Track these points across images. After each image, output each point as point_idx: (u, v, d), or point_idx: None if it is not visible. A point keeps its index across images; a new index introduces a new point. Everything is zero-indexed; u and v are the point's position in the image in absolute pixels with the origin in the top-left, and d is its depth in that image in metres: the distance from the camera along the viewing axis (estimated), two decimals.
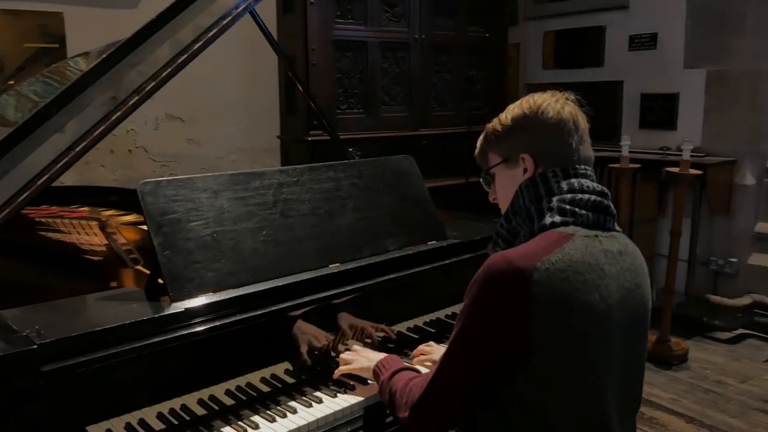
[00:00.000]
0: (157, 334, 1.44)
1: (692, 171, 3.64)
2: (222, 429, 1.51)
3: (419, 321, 2.10)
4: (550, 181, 1.36)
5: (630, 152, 3.96)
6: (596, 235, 1.31)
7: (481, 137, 1.52)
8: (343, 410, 1.63)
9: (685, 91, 4.35)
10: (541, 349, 1.21)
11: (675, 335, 3.88)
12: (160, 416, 1.49)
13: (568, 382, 1.25)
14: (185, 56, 1.98)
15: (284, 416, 1.58)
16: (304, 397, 1.67)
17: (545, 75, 5.29)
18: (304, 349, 1.74)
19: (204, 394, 1.56)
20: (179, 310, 1.50)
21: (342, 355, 1.76)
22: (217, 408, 1.57)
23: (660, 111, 4.48)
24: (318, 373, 1.76)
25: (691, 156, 4.15)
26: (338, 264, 1.88)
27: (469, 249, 2.18)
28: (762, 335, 4.10)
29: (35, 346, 1.27)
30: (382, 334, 1.92)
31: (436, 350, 1.85)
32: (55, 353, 1.30)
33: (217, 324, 1.54)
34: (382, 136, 4.31)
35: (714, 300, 4.14)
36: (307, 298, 1.72)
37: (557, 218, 1.31)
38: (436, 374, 1.34)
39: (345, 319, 1.86)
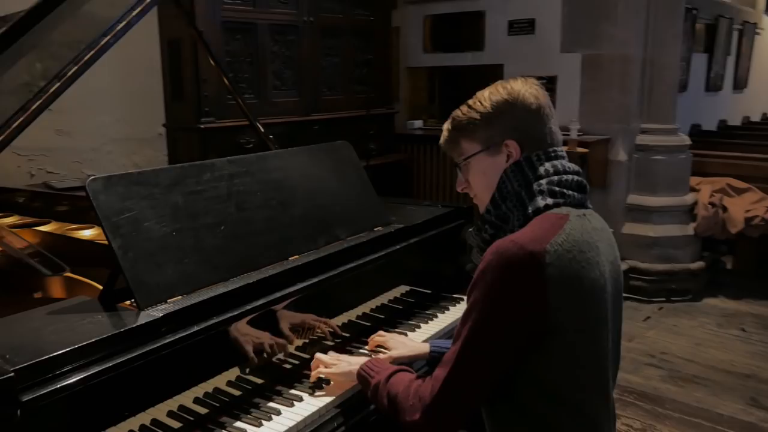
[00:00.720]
0: (137, 347, 1.30)
1: (579, 149, 3.88)
2: None
3: (366, 308, 2.06)
4: (534, 165, 1.37)
5: None
6: (584, 214, 1.35)
7: (450, 126, 1.46)
8: (327, 406, 1.57)
9: (562, 74, 4.62)
10: (557, 329, 1.24)
11: None
12: None
13: (579, 356, 1.29)
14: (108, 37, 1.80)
15: (269, 419, 1.49)
16: (281, 397, 1.59)
17: (425, 59, 5.39)
18: (270, 347, 1.65)
19: (172, 405, 1.44)
20: (155, 318, 1.36)
21: (318, 355, 1.67)
22: (192, 418, 1.45)
23: None
24: (289, 372, 1.68)
25: (564, 135, 4.43)
26: (297, 256, 1.80)
27: (416, 233, 2.18)
28: (637, 297, 4.49)
29: (11, 373, 1.10)
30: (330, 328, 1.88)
31: (390, 338, 1.84)
32: (33, 379, 1.14)
33: (195, 329, 1.42)
34: (274, 122, 4.18)
35: None
36: (277, 294, 1.63)
37: (549, 200, 1.33)
38: (452, 370, 1.29)
39: (301, 315, 1.78)
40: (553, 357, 1.26)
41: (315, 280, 1.74)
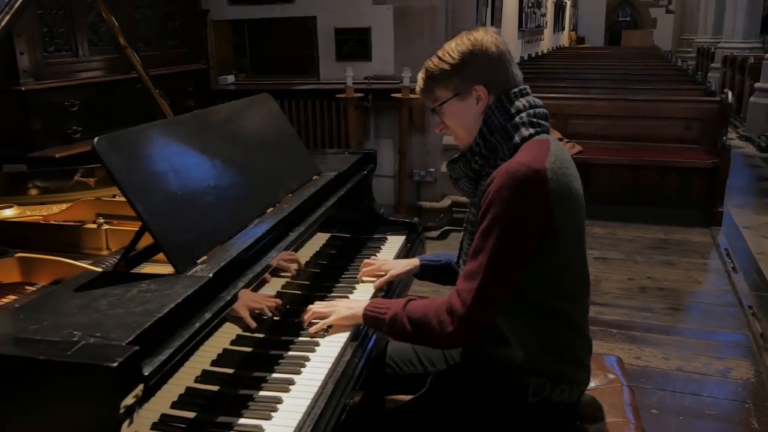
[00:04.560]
0: (208, 307, 1.26)
1: (412, 95, 4.15)
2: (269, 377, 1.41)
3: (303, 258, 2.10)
4: (513, 101, 1.57)
5: (335, 83, 4.24)
6: (556, 139, 1.59)
7: (424, 76, 1.62)
8: (342, 347, 1.61)
9: (376, 25, 4.81)
10: (559, 231, 1.47)
11: None
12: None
13: (575, 254, 1.56)
14: None
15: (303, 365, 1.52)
16: (299, 349, 1.61)
17: (231, 11, 5.21)
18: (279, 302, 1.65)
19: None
20: (208, 278, 1.31)
21: (312, 307, 1.68)
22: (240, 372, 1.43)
23: (354, 44, 4.89)
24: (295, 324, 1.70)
25: (387, 83, 4.69)
26: (271, 208, 1.80)
27: (347, 179, 2.25)
28: (461, 228, 4.92)
29: (137, 347, 1.01)
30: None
31: (380, 262, 1.97)
32: (148, 351, 1.07)
33: (241, 285, 1.39)
34: (95, 81, 3.82)
35: (425, 205, 4.83)
36: (282, 245, 1.63)
37: (531, 130, 1.54)
38: (483, 279, 1.44)
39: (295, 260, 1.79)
40: (557, 255, 1.49)
41: (304, 227, 1.77)
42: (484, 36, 1.57)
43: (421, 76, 1.63)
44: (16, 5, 1.95)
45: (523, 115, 1.55)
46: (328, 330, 1.66)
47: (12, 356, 1.02)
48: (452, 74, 1.56)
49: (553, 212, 1.44)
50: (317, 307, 1.70)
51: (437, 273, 1.92)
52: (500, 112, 1.56)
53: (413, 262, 1.94)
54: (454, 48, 1.57)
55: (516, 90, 1.57)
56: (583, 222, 1.58)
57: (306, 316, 1.67)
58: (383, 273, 1.93)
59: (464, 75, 1.55)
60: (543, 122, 1.57)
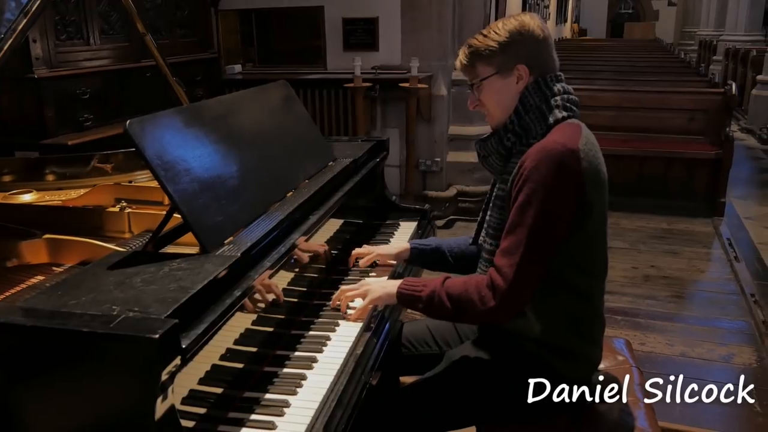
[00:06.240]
0: (236, 285, 1.31)
1: (420, 85, 4.18)
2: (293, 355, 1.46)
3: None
4: (549, 84, 1.62)
5: (343, 73, 4.25)
6: (585, 125, 1.64)
7: (467, 52, 1.65)
8: (362, 327, 1.66)
9: (383, 15, 4.84)
10: (589, 210, 1.52)
11: None
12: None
13: (601, 234, 1.61)
14: None
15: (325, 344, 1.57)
16: (319, 329, 1.65)
17: (239, 0, 5.24)
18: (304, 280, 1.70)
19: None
20: (236, 257, 1.35)
21: (344, 289, 1.71)
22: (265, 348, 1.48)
23: (362, 34, 4.92)
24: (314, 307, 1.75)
25: (394, 73, 4.72)
26: (291, 192, 1.84)
27: (362, 165, 2.29)
28: (466, 218, 4.98)
29: (176, 321, 1.06)
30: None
31: (369, 248, 1.98)
32: (184, 326, 1.11)
33: (268, 265, 1.43)
34: (106, 70, 3.86)
35: (431, 194, 4.87)
36: (304, 227, 1.68)
37: (564, 113, 1.60)
38: (524, 254, 1.47)
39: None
40: (585, 233, 1.54)
41: (323, 211, 1.81)
42: (530, 19, 1.63)
43: (463, 51, 1.66)
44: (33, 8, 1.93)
45: (558, 98, 1.61)
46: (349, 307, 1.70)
47: (55, 329, 1.06)
48: (497, 52, 1.60)
49: (586, 191, 1.50)
50: (350, 291, 1.70)
51: (427, 258, 1.93)
52: (537, 94, 1.61)
53: (403, 245, 1.94)
54: (501, 27, 1.61)
55: (553, 75, 1.63)
56: (607, 206, 1.62)
57: (342, 306, 1.69)
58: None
59: (509, 53, 1.60)
60: (575, 108, 1.63)
